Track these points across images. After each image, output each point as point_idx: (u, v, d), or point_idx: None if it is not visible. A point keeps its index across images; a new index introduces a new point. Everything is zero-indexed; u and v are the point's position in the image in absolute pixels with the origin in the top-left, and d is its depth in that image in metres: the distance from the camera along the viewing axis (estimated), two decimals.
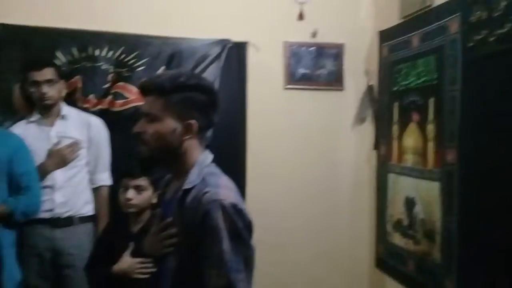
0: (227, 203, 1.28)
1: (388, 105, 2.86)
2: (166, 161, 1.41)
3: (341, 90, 3.13)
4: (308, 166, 3.11)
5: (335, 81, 3.12)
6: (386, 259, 2.88)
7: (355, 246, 3.15)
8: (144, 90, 1.39)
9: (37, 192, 2.36)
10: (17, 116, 2.63)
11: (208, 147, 1.45)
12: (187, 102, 1.35)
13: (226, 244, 1.25)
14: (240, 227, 1.29)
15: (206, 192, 1.29)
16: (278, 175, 3.08)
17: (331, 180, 3.15)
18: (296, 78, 3.09)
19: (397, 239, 2.74)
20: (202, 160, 1.39)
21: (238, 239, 1.28)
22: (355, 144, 3.17)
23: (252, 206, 2.84)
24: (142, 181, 2.05)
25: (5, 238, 2.27)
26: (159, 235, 1.40)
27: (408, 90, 2.63)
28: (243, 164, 3.00)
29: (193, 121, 1.35)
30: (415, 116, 2.55)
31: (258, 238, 2.81)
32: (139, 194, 2.04)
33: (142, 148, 1.37)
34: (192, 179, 1.34)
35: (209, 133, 1.47)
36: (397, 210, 2.75)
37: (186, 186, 1.34)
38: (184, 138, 1.36)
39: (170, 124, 1.34)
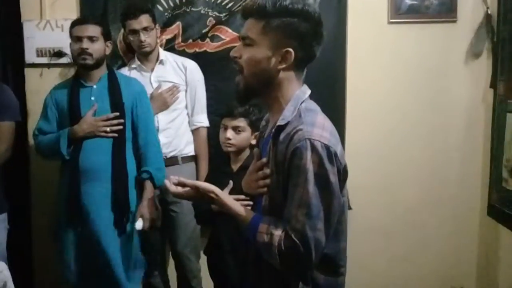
0: (319, 144, 1.19)
1: (510, 37, 2.50)
2: (262, 93, 1.34)
3: (454, 21, 2.81)
4: (416, 107, 2.89)
5: (447, 11, 2.80)
6: (500, 206, 2.63)
7: (466, 192, 2.92)
8: (245, 13, 1.31)
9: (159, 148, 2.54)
10: (119, 62, 2.80)
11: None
12: (288, 28, 1.25)
13: (311, 187, 1.18)
14: (330, 171, 1.19)
15: (299, 130, 1.22)
16: (380, 116, 2.90)
17: (440, 122, 2.90)
18: (402, 11, 2.82)
19: None
20: (298, 95, 1.30)
21: (325, 184, 1.19)
22: (468, 82, 2.86)
23: (352, 148, 2.83)
24: (241, 122, 2.09)
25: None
26: (255, 175, 1.38)
27: None
28: (342, 105, 2.88)
29: (291, 50, 1.26)
30: None
31: (360, 181, 2.78)
32: (238, 135, 2.09)
33: (238, 77, 1.33)
34: (286, 115, 1.27)
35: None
36: None
37: (280, 122, 1.27)
38: (279, 67, 1.27)
39: (266, 50, 1.26)
